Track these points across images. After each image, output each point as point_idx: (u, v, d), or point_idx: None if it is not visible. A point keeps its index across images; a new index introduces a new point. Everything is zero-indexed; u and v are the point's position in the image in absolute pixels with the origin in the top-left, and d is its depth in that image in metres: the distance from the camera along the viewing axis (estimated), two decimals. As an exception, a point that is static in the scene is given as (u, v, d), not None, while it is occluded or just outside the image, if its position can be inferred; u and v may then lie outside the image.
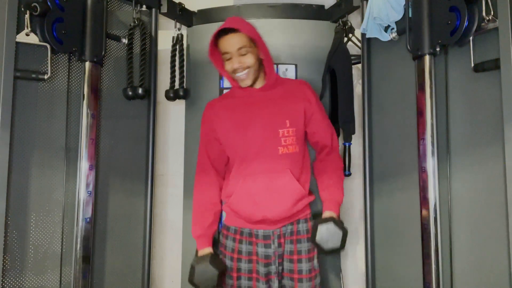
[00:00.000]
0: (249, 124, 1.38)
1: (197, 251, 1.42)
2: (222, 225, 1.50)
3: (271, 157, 1.35)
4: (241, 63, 1.34)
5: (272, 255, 1.36)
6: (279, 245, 1.38)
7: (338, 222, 1.33)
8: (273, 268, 1.36)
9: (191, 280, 1.34)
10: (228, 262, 1.40)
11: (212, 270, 1.32)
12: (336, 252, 1.33)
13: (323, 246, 1.30)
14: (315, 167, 1.51)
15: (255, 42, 1.36)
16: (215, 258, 1.37)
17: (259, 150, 1.36)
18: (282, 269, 1.38)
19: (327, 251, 1.31)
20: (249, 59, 1.35)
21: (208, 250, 1.40)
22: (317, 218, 1.40)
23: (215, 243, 1.46)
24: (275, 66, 1.74)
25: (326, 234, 1.30)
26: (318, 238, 1.30)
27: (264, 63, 1.40)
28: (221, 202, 1.48)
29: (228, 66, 1.37)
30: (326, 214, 1.38)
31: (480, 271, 1.14)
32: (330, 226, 1.31)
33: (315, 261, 1.40)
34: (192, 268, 1.35)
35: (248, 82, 1.38)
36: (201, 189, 1.47)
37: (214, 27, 1.83)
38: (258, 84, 1.43)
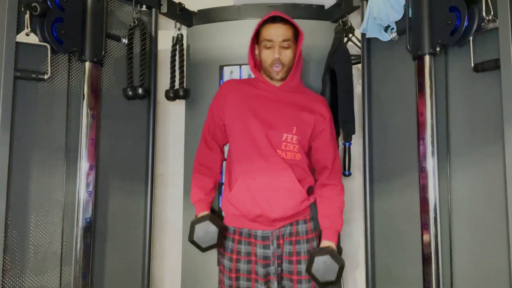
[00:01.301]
0: (255, 117, 1.37)
1: (196, 216, 1.43)
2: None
3: (272, 157, 1.35)
4: (281, 55, 1.34)
5: (271, 256, 1.36)
6: (278, 246, 1.37)
7: (335, 255, 1.31)
8: (272, 269, 1.35)
9: (191, 239, 1.36)
10: (226, 263, 1.39)
11: (212, 227, 1.34)
12: (332, 284, 1.31)
13: (318, 278, 1.29)
14: (316, 190, 1.47)
15: (298, 39, 1.36)
16: (214, 217, 1.38)
17: (258, 146, 1.35)
18: (282, 270, 1.38)
19: (322, 284, 1.30)
20: (289, 54, 1.36)
21: (207, 212, 1.42)
22: (314, 249, 1.38)
23: (213, 211, 1.47)
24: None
25: (323, 266, 1.28)
26: (314, 270, 1.29)
27: (294, 65, 1.39)
28: (221, 173, 1.50)
29: (268, 54, 1.35)
30: (325, 243, 1.37)
31: (480, 271, 1.14)
32: (327, 259, 1.29)
33: None
34: (192, 227, 1.36)
35: (281, 75, 1.38)
36: (202, 157, 1.48)
37: (214, 27, 1.86)
38: (281, 83, 1.42)
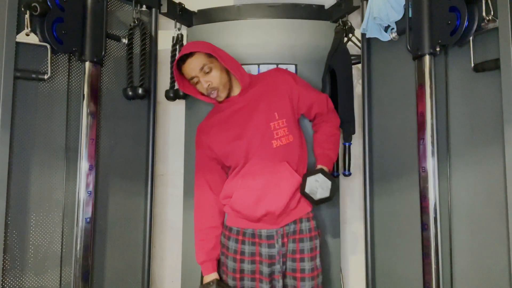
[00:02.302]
0: (242, 130, 1.39)
1: (202, 277, 1.44)
2: (224, 226, 1.49)
3: (267, 152, 1.37)
4: (208, 82, 1.36)
5: (276, 255, 1.36)
6: (283, 244, 1.38)
7: (326, 173, 1.36)
8: (277, 267, 1.36)
9: None
10: (230, 264, 1.40)
11: None
12: (326, 201, 1.36)
13: (312, 197, 1.33)
14: (313, 127, 1.57)
15: (215, 56, 1.36)
16: (220, 284, 1.39)
17: (255, 149, 1.38)
18: (285, 268, 1.39)
19: (317, 201, 1.34)
20: (214, 75, 1.37)
21: (214, 275, 1.42)
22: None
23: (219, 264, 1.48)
24: (274, 66, 1.74)
25: (315, 185, 1.33)
26: (307, 189, 1.33)
27: (230, 70, 1.39)
28: (222, 224, 1.49)
29: (200, 88, 1.40)
30: (318, 166, 1.43)
31: (480, 271, 1.14)
32: (319, 177, 1.33)
33: (318, 260, 1.41)
34: None
35: (223, 96, 1.40)
36: (200, 214, 1.47)
37: (214, 27, 1.86)
38: (236, 91, 1.45)
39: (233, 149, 1.40)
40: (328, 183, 1.33)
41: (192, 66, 1.36)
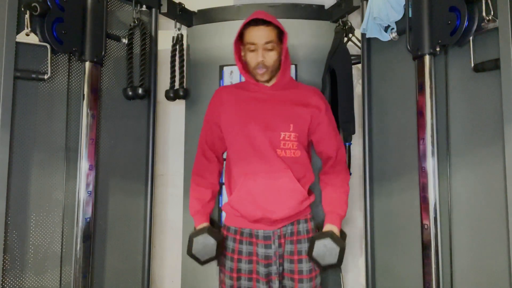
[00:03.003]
0: (252, 119, 1.37)
1: (194, 228, 1.42)
2: (222, 225, 1.49)
3: (271, 158, 1.35)
4: (264, 58, 1.33)
5: (273, 255, 1.36)
6: (280, 245, 1.37)
7: (336, 238, 1.31)
8: (274, 268, 1.36)
9: (189, 252, 1.35)
10: (228, 263, 1.40)
11: (210, 240, 1.33)
12: (334, 267, 1.31)
13: (319, 262, 1.29)
14: (320, 179, 1.48)
15: (282, 39, 1.36)
16: (213, 230, 1.38)
17: (257, 148, 1.35)
18: (283, 269, 1.38)
19: (324, 267, 1.30)
20: (273, 56, 1.35)
21: (206, 224, 1.41)
22: (320, 229, 1.39)
23: (212, 223, 1.46)
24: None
25: (323, 250, 1.28)
26: (315, 253, 1.29)
27: (282, 63, 1.39)
28: (219, 183, 1.49)
29: (252, 58, 1.35)
30: (327, 227, 1.37)
31: (480, 271, 1.14)
32: (327, 242, 1.28)
33: None
34: (190, 240, 1.35)
35: (265, 78, 1.37)
36: (199, 168, 1.47)
37: (214, 27, 1.86)
38: (271, 82, 1.42)
39: (235, 134, 1.39)
40: (336, 250, 1.28)
41: (262, 34, 1.32)
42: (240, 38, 1.39)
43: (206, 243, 1.33)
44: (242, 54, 1.41)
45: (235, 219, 1.41)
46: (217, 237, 1.34)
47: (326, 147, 1.44)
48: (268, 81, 1.40)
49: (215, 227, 1.44)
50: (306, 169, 1.41)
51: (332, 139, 1.44)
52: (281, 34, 1.37)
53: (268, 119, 1.37)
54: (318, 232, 1.37)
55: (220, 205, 1.76)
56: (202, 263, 1.35)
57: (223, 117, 1.42)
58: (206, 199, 1.44)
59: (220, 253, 1.37)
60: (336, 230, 1.36)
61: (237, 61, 1.41)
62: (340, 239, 1.33)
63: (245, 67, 1.41)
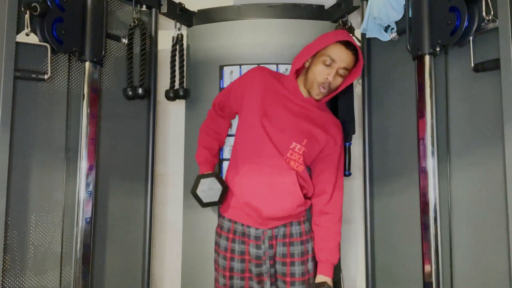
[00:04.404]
0: (272, 116, 1.36)
1: (198, 177, 1.41)
2: (217, 224, 1.49)
3: (277, 159, 1.34)
4: (332, 80, 1.32)
5: (263, 255, 1.36)
6: (270, 246, 1.37)
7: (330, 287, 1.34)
8: (264, 268, 1.35)
9: (194, 191, 1.36)
10: (221, 261, 1.40)
11: (217, 185, 1.35)
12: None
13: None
14: (314, 218, 1.45)
15: (353, 73, 1.37)
16: (220, 177, 1.40)
17: (267, 146, 1.34)
18: (275, 271, 1.38)
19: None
20: (339, 82, 1.35)
21: (212, 172, 1.44)
22: (310, 281, 1.39)
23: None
24: (275, 66, 1.74)
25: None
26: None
27: (338, 91, 1.40)
28: (224, 140, 1.59)
29: (322, 71, 1.31)
30: (320, 278, 1.37)
31: (480, 271, 1.14)
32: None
33: (310, 264, 1.39)
34: (198, 180, 1.36)
35: (319, 97, 1.36)
36: (210, 121, 1.57)
37: (214, 27, 1.86)
38: (308, 94, 1.39)
39: (251, 121, 1.37)
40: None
41: (347, 59, 1.31)
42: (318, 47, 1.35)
43: (212, 186, 1.35)
44: (308, 61, 1.38)
45: (230, 210, 1.41)
46: (223, 184, 1.37)
47: (325, 180, 1.41)
48: (315, 99, 1.38)
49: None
50: (306, 182, 1.40)
51: (333, 174, 1.42)
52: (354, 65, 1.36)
53: (286, 123, 1.36)
54: (313, 284, 1.37)
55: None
56: (204, 205, 1.37)
57: (246, 99, 1.40)
58: (215, 150, 1.51)
59: (222, 201, 1.38)
60: (329, 282, 1.36)
61: (298, 61, 1.37)
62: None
63: (298, 71, 1.40)
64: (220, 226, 1.44)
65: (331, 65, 1.31)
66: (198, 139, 1.54)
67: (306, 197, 1.42)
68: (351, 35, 1.37)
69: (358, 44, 1.63)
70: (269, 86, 1.40)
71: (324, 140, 1.39)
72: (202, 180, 1.36)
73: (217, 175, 1.39)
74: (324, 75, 1.31)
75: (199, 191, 1.35)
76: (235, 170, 1.41)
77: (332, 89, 1.36)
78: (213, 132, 1.54)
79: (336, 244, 1.40)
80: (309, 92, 1.38)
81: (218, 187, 1.36)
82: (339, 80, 1.34)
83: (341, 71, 1.32)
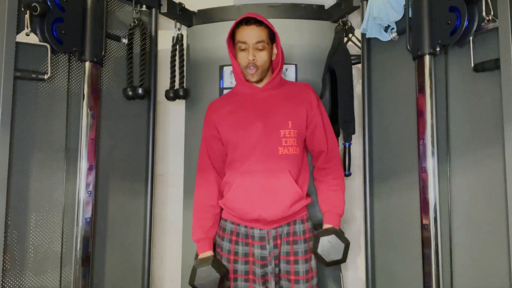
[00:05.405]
0: (251, 122, 1.37)
1: (197, 255, 1.41)
2: (219, 225, 1.49)
3: (271, 157, 1.35)
4: (254, 58, 1.33)
5: (268, 256, 1.35)
6: (275, 246, 1.37)
7: (340, 234, 1.33)
8: (269, 269, 1.35)
9: (192, 283, 1.33)
10: (224, 264, 1.39)
11: (214, 273, 1.31)
12: (338, 263, 1.32)
13: (325, 258, 1.30)
14: (314, 175, 1.48)
15: (274, 39, 1.36)
16: (217, 262, 1.36)
17: (259, 148, 1.35)
18: (279, 270, 1.38)
19: (329, 263, 1.31)
20: (263, 56, 1.34)
21: (210, 253, 1.39)
22: (318, 229, 1.39)
23: (215, 246, 1.46)
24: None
25: (328, 246, 1.29)
26: (320, 250, 1.29)
27: (274, 62, 1.39)
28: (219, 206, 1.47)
29: (243, 57, 1.34)
30: (327, 226, 1.38)
31: (480, 271, 1.14)
32: (332, 238, 1.30)
33: (313, 262, 1.40)
34: (194, 271, 1.33)
35: (255, 78, 1.37)
36: (200, 191, 1.46)
37: (214, 27, 1.86)
38: (262, 83, 1.42)
39: (236, 139, 1.38)
40: (341, 246, 1.30)
41: (252, 33, 1.32)
42: (232, 38, 1.39)
43: (209, 277, 1.31)
44: (235, 55, 1.40)
45: (232, 216, 1.41)
46: (220, 271, 1.33)
47: (318, 141, 1.44)
48: (258, 81, 1.40)
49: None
50: (304, 168, 1.42)
51: (322, 132, 1.44)
52: (272, 35, 1.37)
53: (266, 119, 1.37)
54: (321, 229, 1.37)
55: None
56: None
57: (222, 129, 1.41)
58: (207, 226, 1.42)
59: (223, 286, 1.35)
60: (337, 228, 1.37)
61: (232, 59, 1.41)
62: (344, 236, 1.34)
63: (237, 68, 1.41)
64: (222, 229, 1.44)
65: (245, 48, 1.33)
66: (193, 215, 1.45)
67: (306, 191, 1.42)
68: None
69: (358, 44, 1.63)
70: (229, 104, 1.43)
71: (303, 110, 1.40)
72: (198, 271, 1.32)
73: (213, 262, 1.34)
74: (245, 59, 1.34)
75: (197, 283, 1.31)
76: (229, 184, 1.40)
77: (262, 64, 1.35)
78: (204, 206, 1.44)
79: (340, 193, 1.42)
80: (247, 80, 1.40)
81: (215, 277, 1.31)
82: (262, 54, 1.34)
83: (258, 46, 1.32)
